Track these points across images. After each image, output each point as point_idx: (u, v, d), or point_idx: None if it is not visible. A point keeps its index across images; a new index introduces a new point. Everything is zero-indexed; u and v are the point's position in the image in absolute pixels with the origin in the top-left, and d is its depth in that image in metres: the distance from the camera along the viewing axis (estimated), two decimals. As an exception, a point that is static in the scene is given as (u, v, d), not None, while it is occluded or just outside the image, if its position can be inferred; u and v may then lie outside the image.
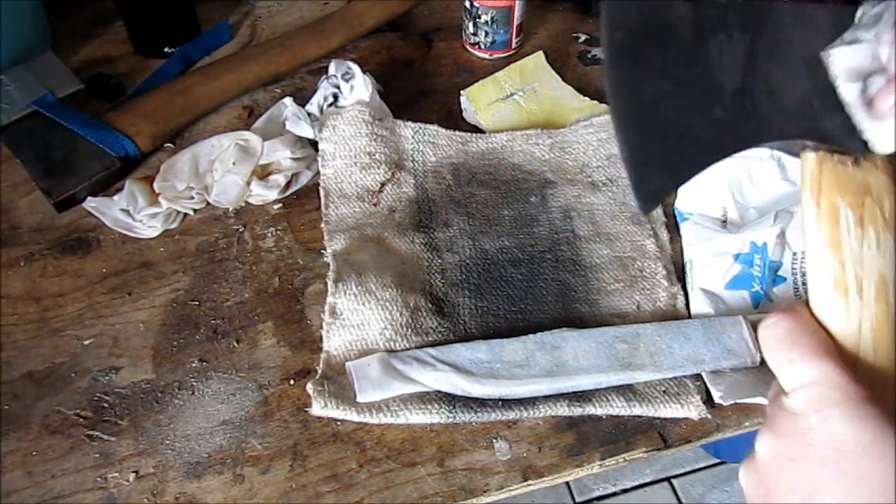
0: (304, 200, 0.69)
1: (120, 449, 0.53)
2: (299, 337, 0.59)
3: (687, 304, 0.62)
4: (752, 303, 0.60)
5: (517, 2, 0.79)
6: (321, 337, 0.58)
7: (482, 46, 0.82)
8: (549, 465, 0.53)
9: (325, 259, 0.62)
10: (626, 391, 0.55)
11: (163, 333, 0.59)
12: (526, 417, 0.54)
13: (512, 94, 0.77)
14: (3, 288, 0.62)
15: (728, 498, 1.48)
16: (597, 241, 0.65)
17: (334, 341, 0.57)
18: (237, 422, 0.55)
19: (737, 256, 0.61)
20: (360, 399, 0.53)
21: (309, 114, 0.71)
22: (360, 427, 0.54)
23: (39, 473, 0.52)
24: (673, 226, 0.67)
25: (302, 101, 0.72)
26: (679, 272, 0.64)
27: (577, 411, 0.54)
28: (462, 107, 0.77)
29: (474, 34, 0.82)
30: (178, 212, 0.67)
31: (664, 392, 0.55)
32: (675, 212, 0.67)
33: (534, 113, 0.76)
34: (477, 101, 0.76)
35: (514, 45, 0.83)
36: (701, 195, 0.66)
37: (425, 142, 0.71)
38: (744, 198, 0.64)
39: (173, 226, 0.66)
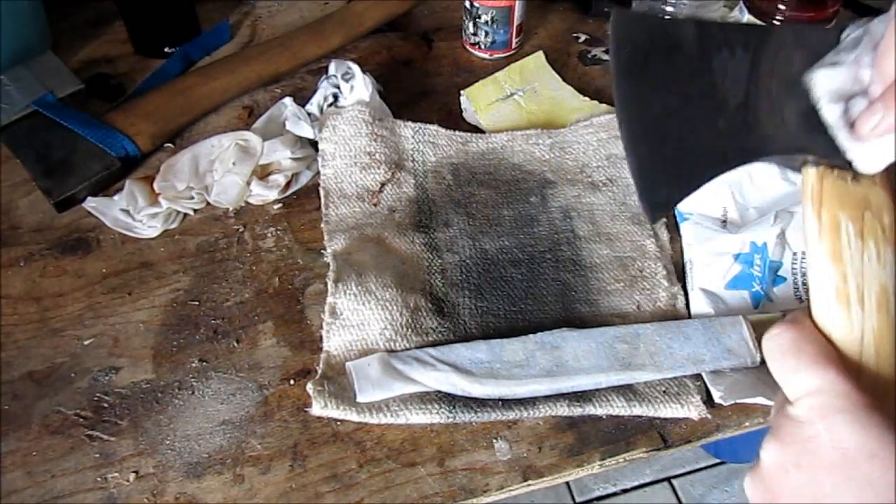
0: (304, 200, 0.69)
1: (120, 449, 0.53)
2: (299, 337, 0.59)
3: (687, 304, 0.62)
4: (752, 303, 0.60)
5: (517, 2, 0.79)
6: (321, 337, 0.58)
7: (482, 46, 0.83)
8: (549, 465, 0.53)
9: (325, 259, 0.62)
10: (626, 391, 0.55)
11: (163, 333, 0.59)
12: (526, 417, 0.54)
13: (512, 94, 0.77)
14: (3, 288, 0.62)
15: (728, 498, 1.48)
16: (597, 241, 0.65)
17: (334, 341, 0.57)
18: (237, 422, 0.55)
19: (737, 256, 0.61)
20: (360, 399, 0.53)
21: (309, 114, 0.71)
22: (360, 427, 0.54)
23: (39, 473, 0.52)
24: (673, 226, 0.67)
25: (302, 101, 0.72)
26: (679, 272, 0.64)
27: (577, 411, 0.54)
28: (462, 107, 0.77)
29: (474, 34, 0.82)
30: (178, 212, 0.67)
31: (664, 392, 0.55)
32: (675, 212, 0.67)
33: (534, 113, 0.76)
34: (477, 101, 0.76)
35: (514, 45, 0.83)
36: (701, 195, 0.65)
37: (425, 142, 0.71)
38: (744, 198, 0.64)
39: (173, 226, 0.67)
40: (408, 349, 0.56)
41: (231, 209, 0.68)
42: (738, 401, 0.54)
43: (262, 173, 0.68)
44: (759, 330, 0.55)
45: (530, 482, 0.53)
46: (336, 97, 0.72)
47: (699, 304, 0.60)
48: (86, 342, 0.59)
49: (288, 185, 0.69)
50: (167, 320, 0.60)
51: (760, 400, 0.54)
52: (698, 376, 0.56)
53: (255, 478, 0.52)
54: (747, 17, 0.73)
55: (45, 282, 0.62)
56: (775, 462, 0.35)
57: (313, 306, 0.61)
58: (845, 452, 0.33)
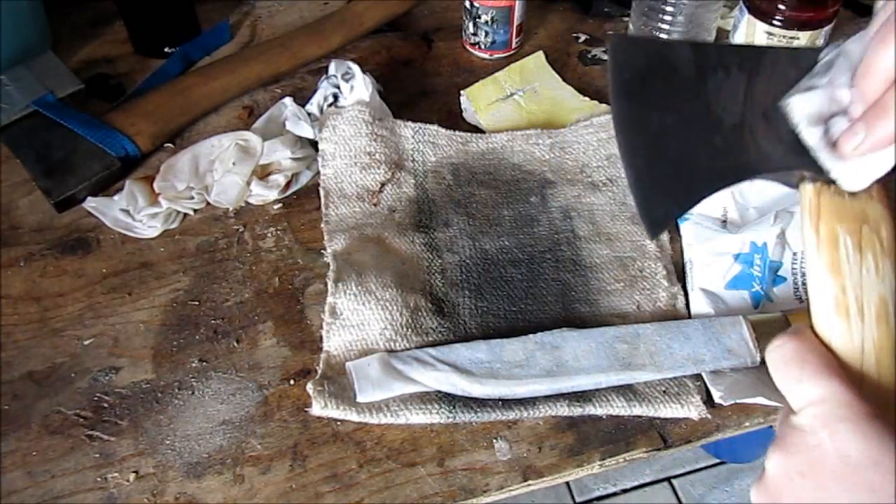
0: (304, 200, 0.69)
1: (120, 449, 0.53)
2: (299, 337, 0.59)
3: (687, 304, 0.62)
4: (752, 303, 0.60)
5: (517, 2, 0.79)
6: (321, 337, 0.58)
7: (482, 46, 0.83)
8: (549, 465, 0.53)
9: (325, 259, 0.62)
10: (626, 391, 0.55)
11: (163, 333, 0.59)
12: (526, 417, 0.54)
13: (512, 94, 0.77)
14: (3, 288, 0.62)
15: (728, 498, 1.48)
16: (597, 241, 0.65)
17: (334, 341, 0.57)
18: (237, 422, 0.55)
19: (737, 256, 0.61)
20: (360, 399, 0.53)
21: (309, 114, 0.71)
22: (360, 427, 0.54)
23: (39, 473, 0.52)
24: (673, 226, 0.67)
25: (302, 101, 0.72)
26: (679, 272, 0.64)
27: (577, 411, 0.54)
28: (462, 107, 0.77)
29: (474, 34, 0.82)
30: (178, 212, 0.67)
31: (664, 392, 0.55)
32: (675, 212, 0.67)
33: (534, 113, 0.76)
34: (477, 101, 0.76)
35: (514, 45, 0.83)
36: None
37: (425, 142, 0.71)
38: (744, 198, 0.64)
39: (173, 226, 0.67)
40: (408, 349, 0.56)
41: (231, 209, 0.68)
42: (738, 401, 0.54)
43: (262, 173, 0.68)
44: (759, 330, 0.55)
45: (530, 482, 0.53)
46: (336, 97, 0.72)
47: (699, 304, 0.60)
48: (86, 342, 0.59)
49: (288, 185, 0.69)
50: (167, 320, 0.60)
51: (760, 400, 0.54)
52: (698, 376, 0.56)
53: (255, 478, 0.52)
54: (747, 17, 0.73)
55: (45, 282, 0.63)
56: (780, 471, 0.36)
57: (313, 306, 0.61)
58: (848, 460, 0.33)
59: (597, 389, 0.55)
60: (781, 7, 0.70)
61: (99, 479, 0.52)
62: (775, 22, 0.71)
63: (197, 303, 0.61)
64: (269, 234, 0.66)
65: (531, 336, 0.56)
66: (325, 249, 0.63)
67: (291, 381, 0.57)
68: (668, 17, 0.79)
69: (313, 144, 0.70)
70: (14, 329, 0.60)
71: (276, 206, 0.68)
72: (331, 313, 0.58)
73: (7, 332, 0.59)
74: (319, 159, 0.69)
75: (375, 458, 0.53)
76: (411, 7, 0.87)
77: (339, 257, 0.61)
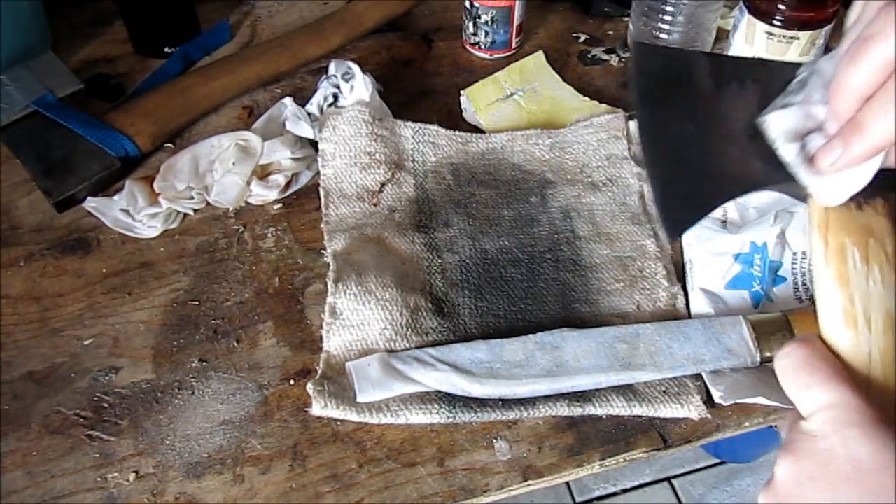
0: (304, 200, 0.69)
1: (120, 449, 0.53)
2: (299, 337, 0.59)
3: (687, 304, 0.62)
4: (752, 303, 0.60)
5: (517, 2, 0.79)
6: (321, 337, 0.58)
7: (482, 46, 0.83)
8: (549, 465, 0.53)
9: (325, 259, 0.62)
10: (626, 391, 0.55)
11: (163, 333, 0.59)
12: (526, 417, 0.54)
13: (512, 94, 0.77)
14: (3, 288, 0.62)
15: (728, 498, 1.48)
16: (597, 241, 0.65)
17: (334, 341, 0.57)
18: (237, 422, 0.55)
19: (737, 256, 0.61)
20: (360, 399, 0.53)
21: (309, 114, 0.71)
22: (360, 427, 0.54)
23: (39, 473, 0.52)
24: (673, 226, 0.67)
25: (302, 101, 0.72)
26: (679, 272, 0.64)
27: (577, 411, 0.54)
28: (462, 107, 0.77)
29: (474, 34, 0.82)
30: (178, 212, 0.67)
31: (664, 392, 0.55)
32: (675, 212, 0.67)
33: (534, 113, 0.76)
34: (477, 101, 0.76)
35: (514, 45, 0.83)
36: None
37: (425, 142, 0.71)
38: (744, 198, 0.64)
39: (173, 226, 0.67)
40: (408, 349, 0.56)
41: (231, 209, 0.68)
42: (738, 401, 0.54)
43: (262, 173, 0.68)
44: (759, 330, 0.55)
45: (530, 482, 0.53)
46: (336, 97, 0.72)
47: (699, 304, 0.60)
48: (86, 342, 0.59)
49: (288, 185, 0.69)
50: (167, 320, 0.60)
51: (760, 400, 0.54)
52: (698, 376, 0.56)
53: (255, 478, 0.52)
54: (747, 17, 0.73)
55: (45, 282, 0.63)
56: (790, 476, 0.36)
57: (313, 306, 0.61)
58: (859, 464, 0.34)
59: (597, 389, 0.55)
60: (781, 7, 0.70)
61: (99, 479, 0.52)
62: (775, 22, 0.71)
63: (197, 303, 0.61)
64: (269, 234, 0.66)
65: (531, 336, 0.56)
66: (325, 249, 0.63)
67: (291, 381, 0.57)
68: (668, 17, 0.79)
69: (313, 144, 0.70)
70: (14, 329, 0.60)
71: (276, 206, 0.68)
72: (331, 313, 0.58)
73: (7, 332, 0.59)
74: (319, 159, 0.69)
75: (375, 458, 0.53)
76: (411, 7, 0.87)
77: (339, 257, 0.61)
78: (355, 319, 0.57)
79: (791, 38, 0.71)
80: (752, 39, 0.73)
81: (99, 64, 0.82)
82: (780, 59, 0.42)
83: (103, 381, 0.57)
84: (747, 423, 0.56)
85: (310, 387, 0.53)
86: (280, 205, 0.68)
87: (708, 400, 0.55)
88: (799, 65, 0.42)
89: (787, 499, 0.36)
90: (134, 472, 0.52)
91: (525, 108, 0.77)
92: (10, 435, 0.54)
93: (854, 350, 0.37)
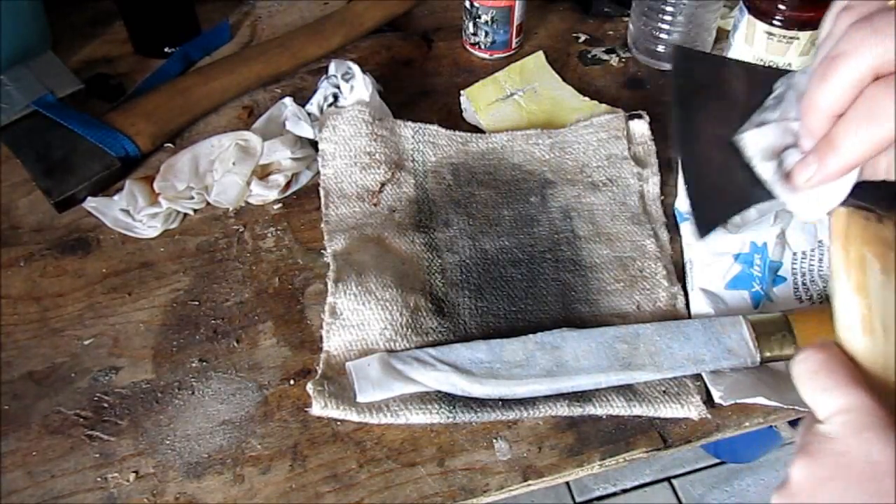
0: (304, 200, 0.69)
1: (120, 449, 0.53)
2: (299, 337, 0.60)
3: (687, 304, 0.62)
4: (752, 303, 0.60)
5: (517, 2, 0.79)
6: (321, 337, 0.58)
7: (482, 46, 0.83)
8: (549, 465, 0.53)
9: (325, 259, 0.62)
10: (626, 391, 0.55)
11: (163, 333, 0.59)
12: (526, 417, 0.54)
13: (512, 94, 0.77)
14: (3, 288, 0.62)
15: (728, 498, 1.48)
16: (597, 241, 0.65)
17: (334, 341, 0.57)
18: (237, 422, 0.55)
19: (737, 256, 0.61)
20: (360, 399, 0.53)
21: (309, 114, 0.71)
22: (360, 427, 0.54)
23: (39, 473, 0.52)
24: (673, 226, 0.67)
25: (302, 101, 0.72)
26: (679, 272, 0.64)
27: (577, 411, 0.54)
28: (462, 107, 0.77)
29: (474, 34, 0.82)
30: (178, 212, 0.67)
31: (664, 392, 0.55)
32: (675, 212, 0.67)
33: (534, 113, 0.76)
34: (477, 101, 0.76)
35: (514, 45, 0.83)
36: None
37: (425, 142, 0.71)
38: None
39: (173, 226, 0.67)
40: (408, 349, 0.56)
41: (231, 209, 0.68)
42: (738, 401, 0.54)
43: (262, 173, 0.68)
44: (759, 330, 0.55)
45: (530, 482, 0.53)
46: (336, 97, 0.72)
47: (699, 304, 0.60)
48: (86, 342, 0.59)
49: (288, 185, 0.69)
50: (167, 320, 0.60)
51: (760, 400, 0.54)
52: (698, 376, 0.56)
53: (255, 478, 0.52)
54: (747, 17, 0.73)
55: (45, 282, 0.63)
56: (807, 478, 0.37)
57: (313, 306, 0.61)
58: (876, 466, 0.34)
59: (597, 389, 0.55)
60: (781, 7, 0.70)
61: (99, 479, 0.52)
62: (775, 22, 0.71)
63: (197, 303, 0.61)
64: (269, 234, 0.66)
65: (531, 336, 0.56)
66: (325, 249, 0.63)
67: (291, 381, 0.57)
68: (668, 17, 0.79)
69: (313, 144, 0.70)
70: (14, 329, 0.60)
71: (276, 206, 0.68)
72: (331, 313, 0.58)
73: (7, 332, 0.59)
74: (319, 159, 0.69)
75: (375, 458, 0.53)
76: (411, 7, 0.87)
77: (339, 257, 0.61)
78: (355, 319, 0.57)
79: (791, 38, 0.71)
80: (752, 39, 0.73)
81: (99, 64, 0.82)
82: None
83: (103, 381, 0.57)
84: (747, 424, 0.56)
85: (310, 387, 0.53)
86: (280, 205, 0.68)
87: (708, 400, 0.55)
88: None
89: (802, 499, 0.37)
90: (134, 472, 0.52)
91: (525, 108, 0.77)
92: (10, 435, 0.54)
93: (871, 356, 0.37)
